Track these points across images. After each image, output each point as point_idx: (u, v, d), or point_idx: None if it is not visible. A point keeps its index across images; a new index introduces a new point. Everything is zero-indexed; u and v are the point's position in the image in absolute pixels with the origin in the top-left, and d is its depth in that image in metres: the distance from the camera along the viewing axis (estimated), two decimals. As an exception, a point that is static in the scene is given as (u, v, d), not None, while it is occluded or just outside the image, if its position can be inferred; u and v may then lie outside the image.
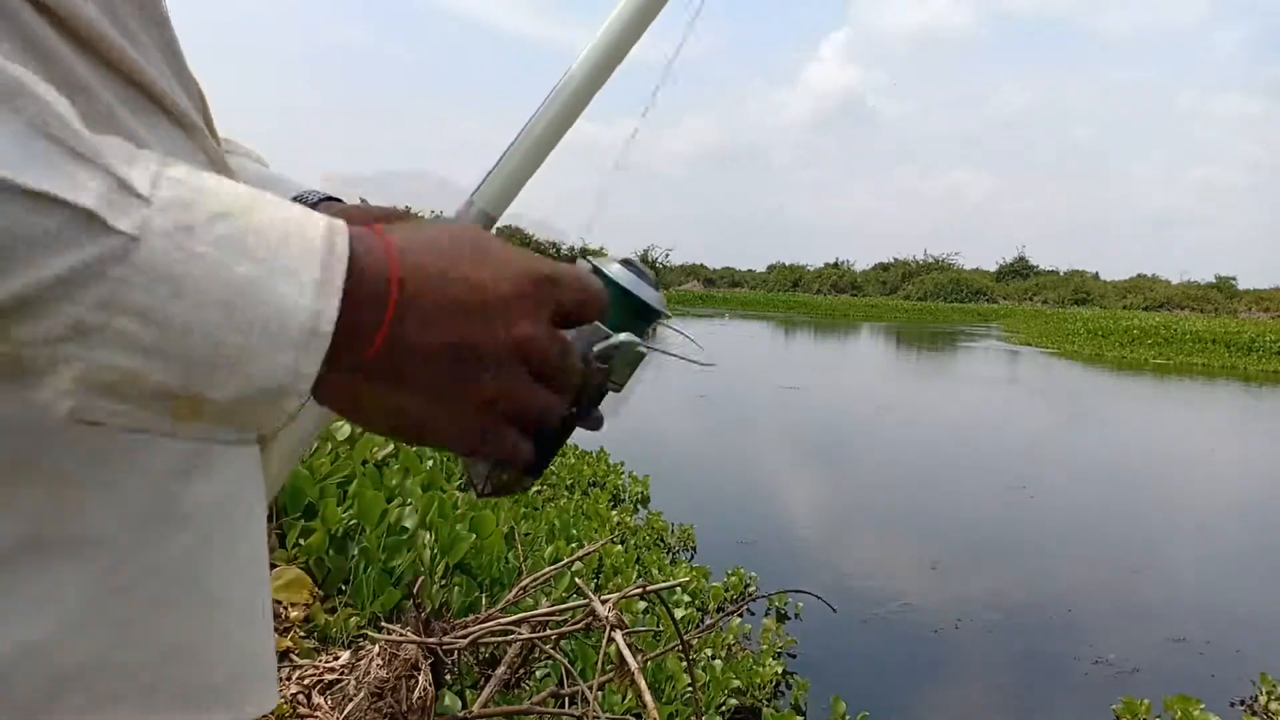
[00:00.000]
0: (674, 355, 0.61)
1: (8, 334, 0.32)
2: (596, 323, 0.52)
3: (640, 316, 0.56)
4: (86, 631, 0.43)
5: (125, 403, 0.34)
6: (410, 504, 2.92)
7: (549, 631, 2.00)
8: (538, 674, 2.34)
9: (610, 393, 0.55)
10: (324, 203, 0.71)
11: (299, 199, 0.70)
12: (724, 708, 3.26)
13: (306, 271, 0.36)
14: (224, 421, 0.37)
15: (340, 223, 0.38)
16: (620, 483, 6.31)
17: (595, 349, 0.52)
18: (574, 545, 4.01)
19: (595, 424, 0.55)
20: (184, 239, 0.33)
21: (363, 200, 0.65)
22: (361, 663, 1.83)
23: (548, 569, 2.46)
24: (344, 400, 0.41)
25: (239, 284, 0.34)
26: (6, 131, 0.31)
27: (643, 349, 0.54)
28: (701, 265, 68.42)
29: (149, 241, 0.33)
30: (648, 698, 1.58)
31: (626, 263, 0.56)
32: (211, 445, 0.47)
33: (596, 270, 0.56)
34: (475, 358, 0.41)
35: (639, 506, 6.04)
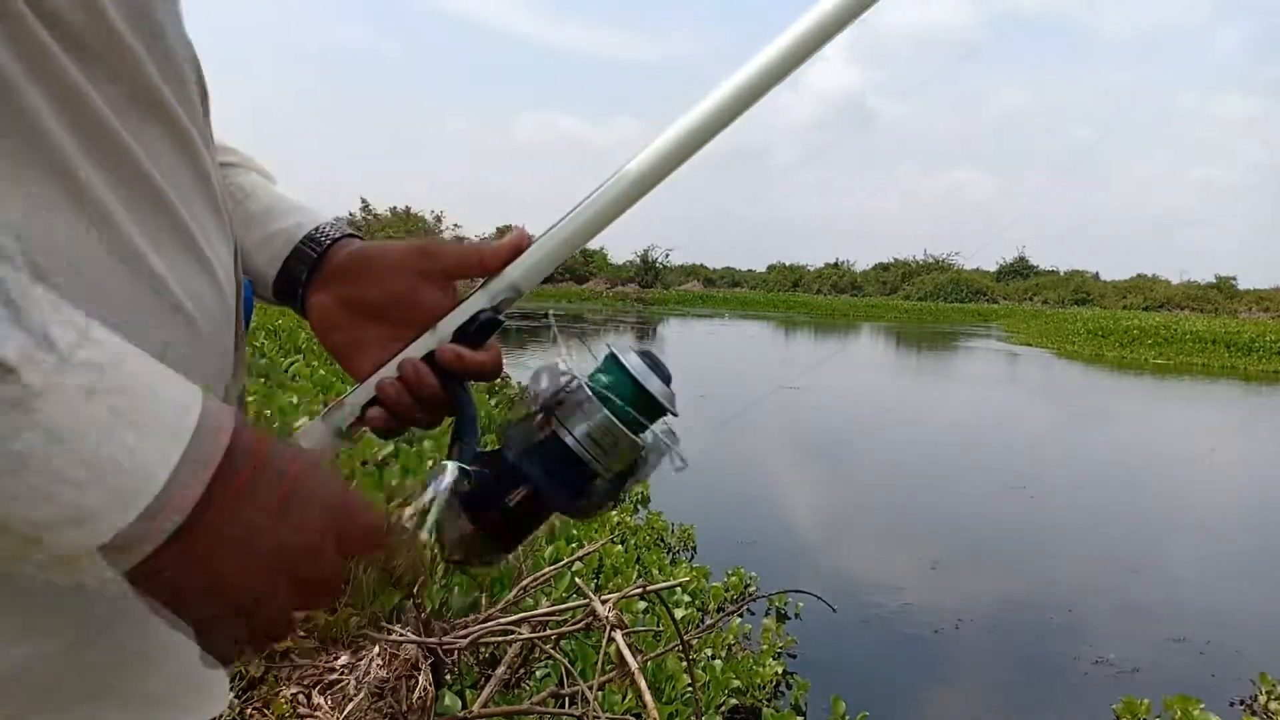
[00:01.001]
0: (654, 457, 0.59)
1: None
2: (605, 412, 0.53)
3: (648, 409, 0.56)
4: (38, 638, 0.45)
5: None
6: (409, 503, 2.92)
7: (549, 631, 2.00)
8: (538, 674, 2.34)
9: (583, 468, 0.55)
10: (344, 239, 0.70)
11: (316, 233, 0.70)
12: (724, 708, 3.26)
13: (163, 419, 0.39)
14: (51, 567, 0.38)
15: (212, 427, 0.41)
16: (620, 483, 6.30)
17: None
18: (574, 545, 4.01)
19: (591, 508, 0.57)
20: (79, 402, 0.36)
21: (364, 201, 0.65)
22: (361, 663, 1.83)
23: (548, 569, 2.46)
24: (144, 578, 0.41)
25: (116, 451, 0.37)
26: None
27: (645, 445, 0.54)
28: (702, 265, 68.43)
29: (49, 397, 0.35)
30: (648, 698, 1.58)
31: (644, 354, 0.57)
32: None
33: (613, 357, 0.56)
34: (291, 571, 0.47)
35: (639, 506, 6.04)
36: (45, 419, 0.35)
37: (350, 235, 0.71)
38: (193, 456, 0.40)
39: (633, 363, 0.55)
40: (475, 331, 0.62)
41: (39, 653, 0.45)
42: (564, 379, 0.56)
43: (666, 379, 0.57)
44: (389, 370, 0.64)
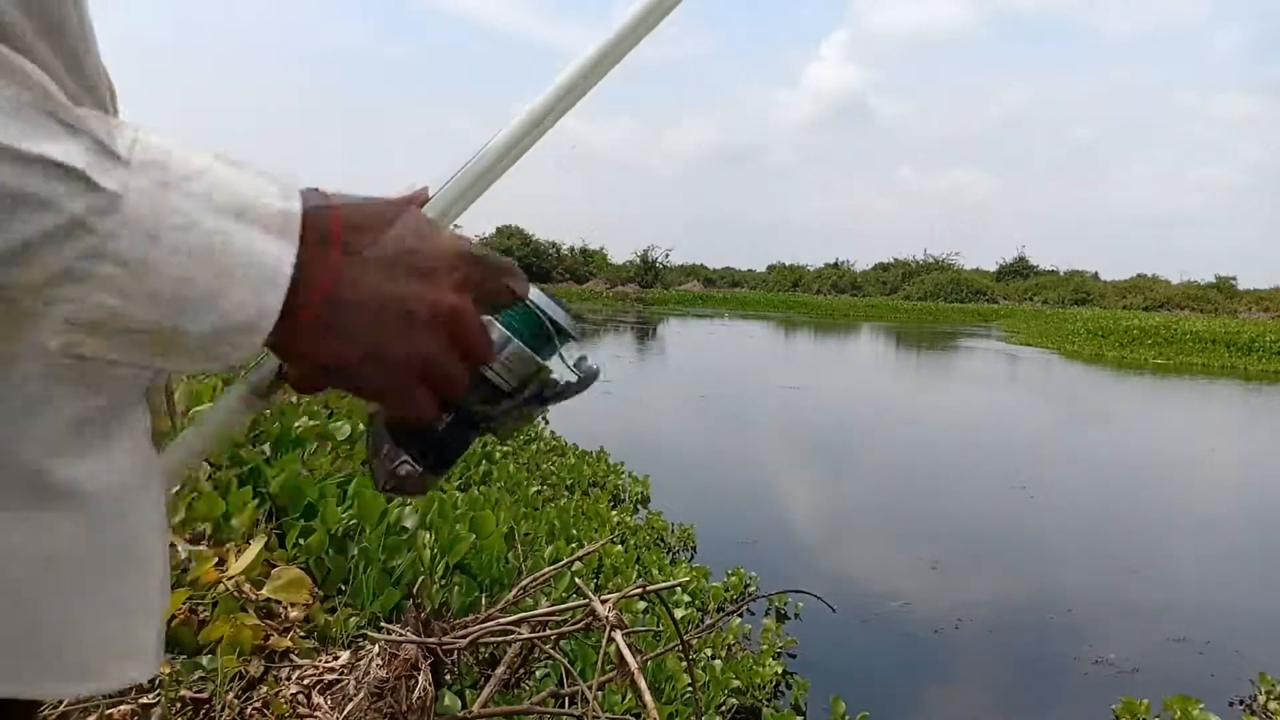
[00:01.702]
0: (568, 367, 0.66)
1: (4, 281, 0.36)
2: (504, 330, 0.59)
3: (552, 336, 0.62)
4: None
5: (109, 339, 0.39)
6: (410, 504, 2.92)
7: (549, 631, 2.00)
8: (538, 674, 2.34)
9: (505, 395, 0.60)
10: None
11: None
12: (724, 708, 3.26)
13: (267, 223, 0.41)
14: (200, 356, 0.42)
15: (292, 183, 0.43)
16: (620, 483, 6.31)
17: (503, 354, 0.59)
18: (574, 545, 4.01)
19: (504, 431, 0.61)
20: (160, 195, 0.39)
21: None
22: (361, 663, 1.83)
23: (548, 569, 2.46)
24: (293, 342, 0.45)
25: (208, 234, 0.40)
26: (1, 101, 0.35)
27: (534, 359, 0.61)
28: (701, 265, 68.41)
29: (130, 198, 0.38)
30: (648, 698, 1.58)
31: (547, 293, 0.62)
32: (92, 429, 0.50)
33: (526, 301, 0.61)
34: (407, 316, 0.47)
35: (639, 506, 6.04)
36: (131, 219, 0.38)
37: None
38: (306, 235, 0.43)
39: (535, 295, 0.61)
40: None
41: None
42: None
43: (567, 310, 0.64)
44: None
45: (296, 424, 3.25)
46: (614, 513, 5.33)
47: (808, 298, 53.15)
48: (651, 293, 49.03)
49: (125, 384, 0.52)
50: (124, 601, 0.55)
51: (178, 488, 0.64)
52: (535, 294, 0.61)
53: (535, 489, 5.27)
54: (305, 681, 1.85)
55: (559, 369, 0.66)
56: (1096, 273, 57.39)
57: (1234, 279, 51.07)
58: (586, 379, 0.67)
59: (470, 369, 0.58)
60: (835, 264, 64.70)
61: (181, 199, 0.39)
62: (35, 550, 0.48)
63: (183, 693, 1.68)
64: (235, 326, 0.41)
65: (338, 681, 1.85)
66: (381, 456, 0.62)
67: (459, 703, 1.92)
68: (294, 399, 3.74)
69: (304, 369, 0.49)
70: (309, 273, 0.43)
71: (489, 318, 0.59)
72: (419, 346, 0.48)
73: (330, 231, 0.44)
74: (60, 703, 1.51)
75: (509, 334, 0.60)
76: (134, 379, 0.53)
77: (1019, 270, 59.65)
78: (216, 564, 2.06)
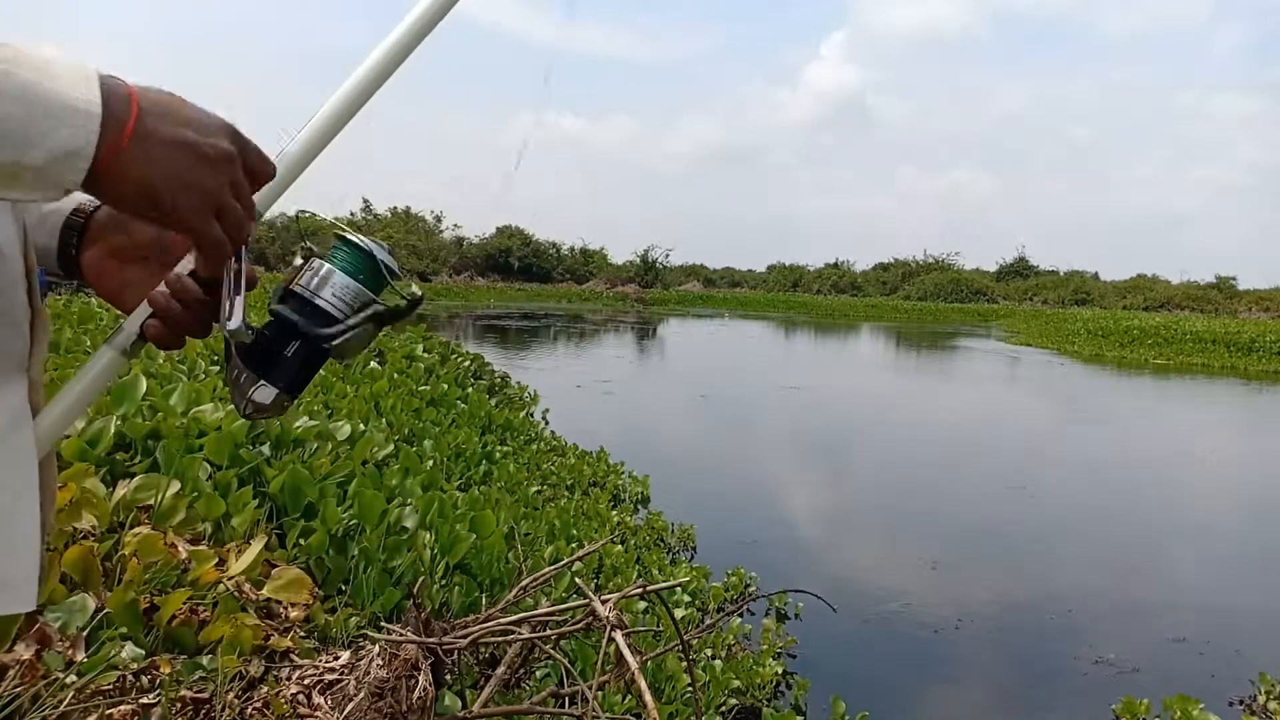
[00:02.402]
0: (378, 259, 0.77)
1: None
2: (331, 267, 0.74)
3: (381, 272, 0.76)
4: None
5: None
6: (410, 504, 2.92)
7: (549, 631, 2.00)
8: (538, 674, 2.34)
9: (338, 321, 0.74)
10: (103, 206, 0.83)
11: (80, 207, 0.82)
12: (724, 708, 3.26)
13: (75, 78, 0.55)
14: (38, 183, 0.54)
15: (90, 63, 0.57)
16: (620, 483, 6.31)
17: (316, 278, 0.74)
18: (574, 545, 4.01)
19: (348, 352, 0.75)
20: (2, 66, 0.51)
21: None
22: (361, 663, 1.83)
23: (548, 569, 2.46)
24: (109, 176, 0.57)
25: (32, 85, 0.53)
26: None
27: (362, 289, 0.75)
28: (701, 265, 68.38)
29: None
30: (648, 698, 1.58)
31: (372, 240, 0.76)
32: None
33: (344, 238, 0.76)
34: (198, 154, 0.61)
35: (639, 506, 6.04)
36: None
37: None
38: (109, 90, 0.56)
39: (367, 242, 0.75)
40: None
41: None
42: (312, 261, 0.76)
43: (390, 252, 0.77)
44: (160, 288, 0.76)
45: (296, 424, 3.25)
46: (614, 513, 5.33)
47: (808, 298, 53.14)
48: (651, 293, 49.02)
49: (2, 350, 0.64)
50: (12, 533, 0.63)
51: (59, 442, 0.75)
52: (367, 241, 0.75)
53: (535, 489, 5.27)
54: (305, 681, 1.85)
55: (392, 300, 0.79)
56: (1096, 273, 57.38)
57: (1234, 279, 51.03)
58: (412, 304, 0.80)
59: (304, 300, 0.74)
60: (835, 264, 64.65)
61: (4, 62, 0.52)
62: None
63: (183, 693, 1.68)
64: (65, 154, 0.54)
65: (338, 681, 1.85)
66: (240, 384, 0.73)
67: (459, 703, 1.92)
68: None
69: (119, 194, 0.59)
70: (116, 113, 0.56)
71: (321, 260, 0.75)
72: (210, 179, 0.61)
73: (128, 91, 0.58)
74: (60, 702, 1.51)
75: (336, 269, 0.74)
76: (8, 347, 0.65)
77: (1019, 270, 59.59)
78: (216, 564, 2.06)
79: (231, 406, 2.97)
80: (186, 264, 0.75)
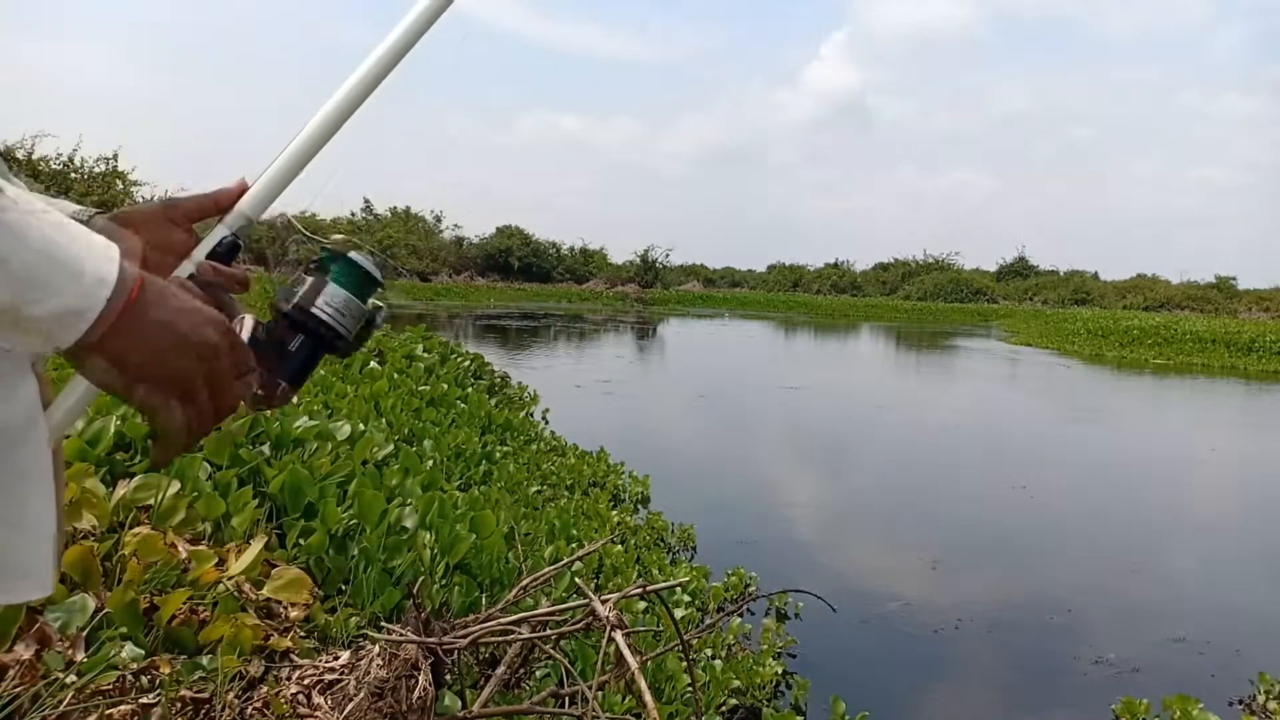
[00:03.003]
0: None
1: None
2: (328, 280, 0.81)
3: (369, 284, 0.83)
4: None
5: None
6: (410, 504, 2.92)
7: (549, 631, 2.00)
8: (538, 674, 2.34)
9: (336, 326, 0.81)
10: (95, 216, 0.86)
11: (75, 215, 0.84)
12: (724, 708, 3.26)
13: (98, 252, 0.59)
14: (38, 335, 0.57)
15: (114, 243, 0.61)
16: (620, 483, 6.31)
17: (321, 299, 0.80)
18: (574, 545, 4.01)
19: (346, 350, 0.83)
20: (28, 217, 0.55)
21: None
22: (361, 663, 1.83)
23: (548, 569, 2.46)
24: (96, 346, 0.60)
25: (60, 248, 0.56)
26: None
27: (354, 299, 0.82)
28: (702, 265, 68.35)
29: (4, 216, 0.53)
30: (648, 698, 1.58)
31: (362, 253, 0.84)
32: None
33: (342, 257, 0.83)
34: (182, 343, 0.64)
35: (639, 506, 6.04)
36: (9, 231, 0.53)
37: (100, 211, 0.86)
38: (124, 266, 0.60)
39: (357, 256, 0.82)
40: (224, 254, 0.82)
41: None
42: (314, 273, 0.83)
43: (380, 266, 0.85)
44: None
45: (296, 424, 3.25)
46: (614, 513, 5.33)
47: (808, 298, 53.13)
48: (651, 293, 49.01)
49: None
50: (16, 523, 0.67)
51: (64, 438, 0.78)
52: (357, 255, 0.83)
53: (535, 489, 5.27)
54: (305, 681, 1.85)
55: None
56: (1096, 273, 57.30)
57: (1234, 279, 50.99)
58: (385, 311, 0.89)
59: (305, 311, 0.80)
60: (835, 264, 64.61)
61: (42, 223, 0.56)
62: None
63: (183, 693, 1.68)
64: (68, 313, 0.57)
65: (338, 681, 1.85)
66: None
67: (459, 703, 1.92)
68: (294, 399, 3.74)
69: (96, 364, 0.62)
70: (118, 290, 0.60)
71: (322, 276, 0.81)
72: (188, 367, 0.65)
73: (136, 274, 0.61)
74: (60, 702, 1.51)
75: (333, 284, 0.82)
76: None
77: (1019, 270, 59.56)
78: (216, 564, 2.06)
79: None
80: (187, 267, 0.80)
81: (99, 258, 0.59)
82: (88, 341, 0.59)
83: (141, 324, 0.61)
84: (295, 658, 1.95)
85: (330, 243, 0.84)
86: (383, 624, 2.13)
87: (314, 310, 0.81)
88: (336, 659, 1.93)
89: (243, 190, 0.83)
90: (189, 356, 0.64)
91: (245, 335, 0.76)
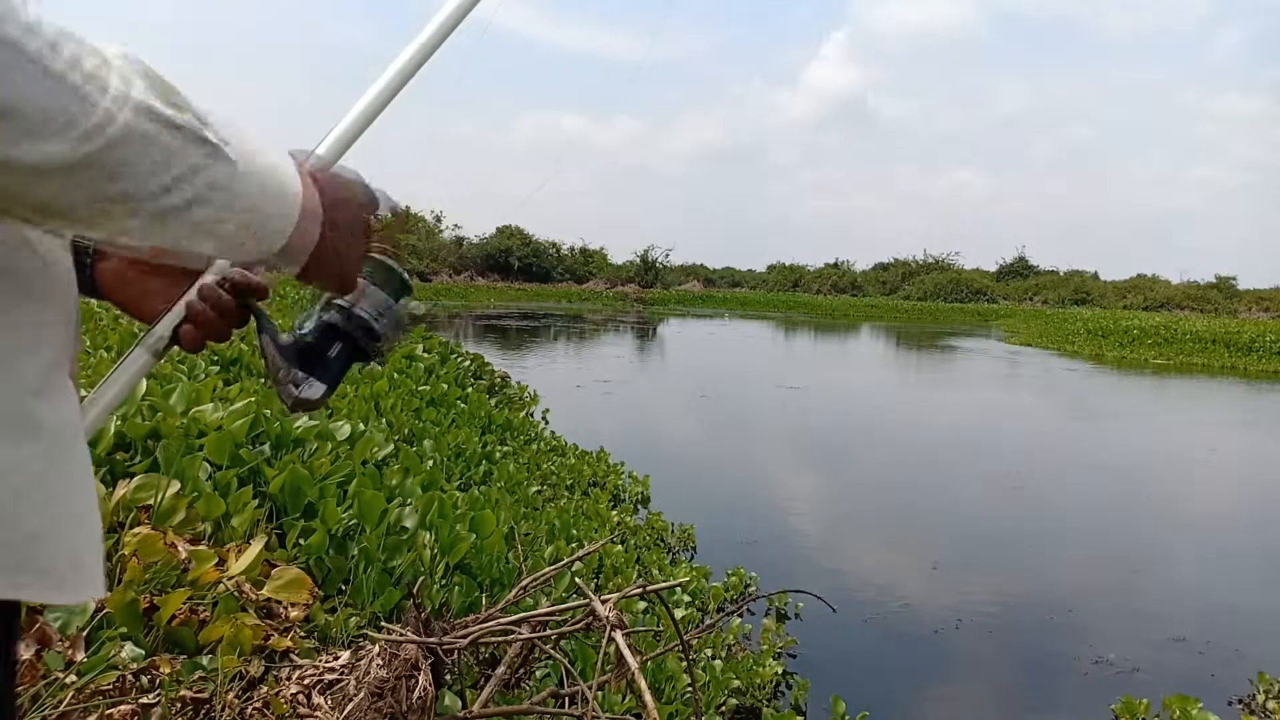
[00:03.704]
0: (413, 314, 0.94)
1: (151, 204, 0.58)
2: (371, 284, 0.88)
3: (403, 289, 0.91)
4: None
5: (212, 237, 0.63)
6: (410, 504, 2.92)
7: (549, 631, 2.00)
8: (538, 674, 2.34)
9: (374, 329, 0.88)
10: None
11: None
12: (724, 708, 3.26)
13: (286, 169, 0.70)
14: (264, 245, 0.68)
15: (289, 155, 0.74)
16: (620, 483, 6.31)
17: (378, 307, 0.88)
18: (574, 545, 4.01)
19: (381, 355, 0.91)
20: (243, 148, 0.64)
21: None
22: (361, 663, 1.83)
23: (548, 569, 2.46)
24: (307, 241, 0.72)
25: (272, 176, 0.67)
26: (167, 101, 0.59)
27: (391, 302, 0.89)
28: (701, 265, 68.33)
29: (221, 155, 0.61)
30: (648, 698, 1.58)
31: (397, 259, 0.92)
32: (52, 378, 0.68)
33: (381, 262, 0.90)
34: (361, 221, 0.79)
35: (639, 506, 6.04)
36: (225, 165, 0.62)
37: None
38: (310, 183, 0.73)
39: (392, 262, 0.89)
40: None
41: None
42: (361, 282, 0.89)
43: (411, 273, 0.92)
44: (192, 294, 0.86)
45: (296, 424, 3.25)
46: (614, 513, 5.33)
47: (808, 298, 53.12)
48: (651, 293, 49.01)
49: (64, 339, 0.70)
50: (80, 523, 0.70)
51: (93, 434, 0.83)
52: (391, 262, 0.89)
53: (535, 489, 5.27)
54: (305, 681, 1.85)
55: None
56: (1096, 273, 57.32)
57: (1234, 279, 51.02)
58: (424, 314, 0.97)
59: (349, 312, 0.87)
60: (835, 264, 64.60)
61: (253, 154, 0.64)
62: (15, 472, 0.63)
63: (183, 693, 1.68)
64: (285, 219, 0.68)
65: (338, 681, 1.85)
66: (285, 382, 0.85)
67: (459, 703, 1.92)
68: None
69: (307, 266, 0.74)
70: (310, 197, 0.72)
71: (363, 279, 0.87)
72: (359, 237, 0.79)
73: (310, 172, 0.74)
74: (60, 702, 1.51)
75: (374, 286, 0.88)
76: (68, 336, 0.71)
77: (1019, 270, 59.56)
78: (216, 564, 2.06)
79: (232, 406, 2.97)
80: (214, 271, 0.85)
81: (289, 173, 0.70)
82: (290, 249, 0.71)
83: (335, 223, 0.74)
84: (295, 658, 1.95)
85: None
86: (383, 624, 2.13)
87: (357, 311, 0.87)
88: (336, 659, 1.93)
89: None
90: (363, 230, 0.79)
91: (290, 339, 0.84)
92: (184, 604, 1.87)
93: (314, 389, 0.86)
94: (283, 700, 1.76)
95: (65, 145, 0.53)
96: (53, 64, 0.52)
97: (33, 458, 0.65)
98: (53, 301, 0.70)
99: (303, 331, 0.89)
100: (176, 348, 0.87)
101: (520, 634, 1.98)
